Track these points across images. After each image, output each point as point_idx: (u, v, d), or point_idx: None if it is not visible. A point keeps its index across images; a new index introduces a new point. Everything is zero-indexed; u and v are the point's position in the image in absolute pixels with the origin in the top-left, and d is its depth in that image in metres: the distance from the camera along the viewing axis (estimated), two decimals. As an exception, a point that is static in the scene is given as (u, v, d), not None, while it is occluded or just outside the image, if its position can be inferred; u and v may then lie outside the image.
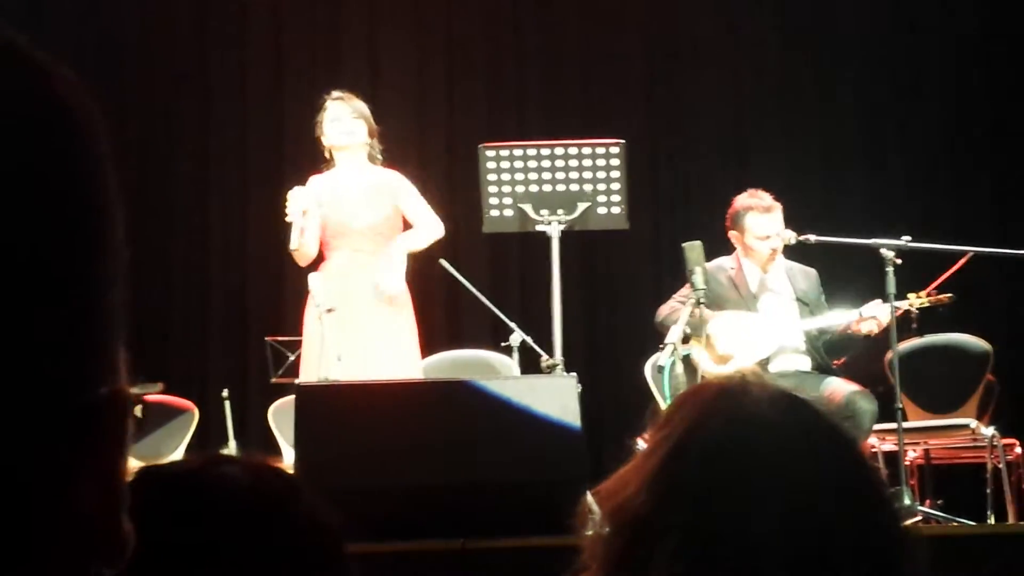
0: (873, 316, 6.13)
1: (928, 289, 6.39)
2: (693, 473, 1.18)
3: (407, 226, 6.18)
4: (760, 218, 6.28)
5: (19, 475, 0.61)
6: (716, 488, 1.17)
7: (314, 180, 6.16)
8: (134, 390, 0.73)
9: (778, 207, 6.31)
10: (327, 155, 6.20)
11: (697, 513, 1.16)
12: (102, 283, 0.66)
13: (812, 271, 6.50)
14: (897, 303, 6.10)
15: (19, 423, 0.61)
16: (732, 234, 6.37)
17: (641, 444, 1.28)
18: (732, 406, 1.22)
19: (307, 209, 5.89)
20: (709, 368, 6.02)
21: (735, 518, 1.15)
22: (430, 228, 6.16)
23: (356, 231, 6.04)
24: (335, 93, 6.23)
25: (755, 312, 6.30)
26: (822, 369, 6.27)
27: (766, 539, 1.14)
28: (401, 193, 6.17)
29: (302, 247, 5.98)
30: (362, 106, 6.18)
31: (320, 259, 6.12)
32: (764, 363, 6.20)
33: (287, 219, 5.90)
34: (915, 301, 6.30)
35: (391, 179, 6.18)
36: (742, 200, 6.36)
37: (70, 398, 0.63)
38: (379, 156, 6.21)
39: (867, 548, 1.17)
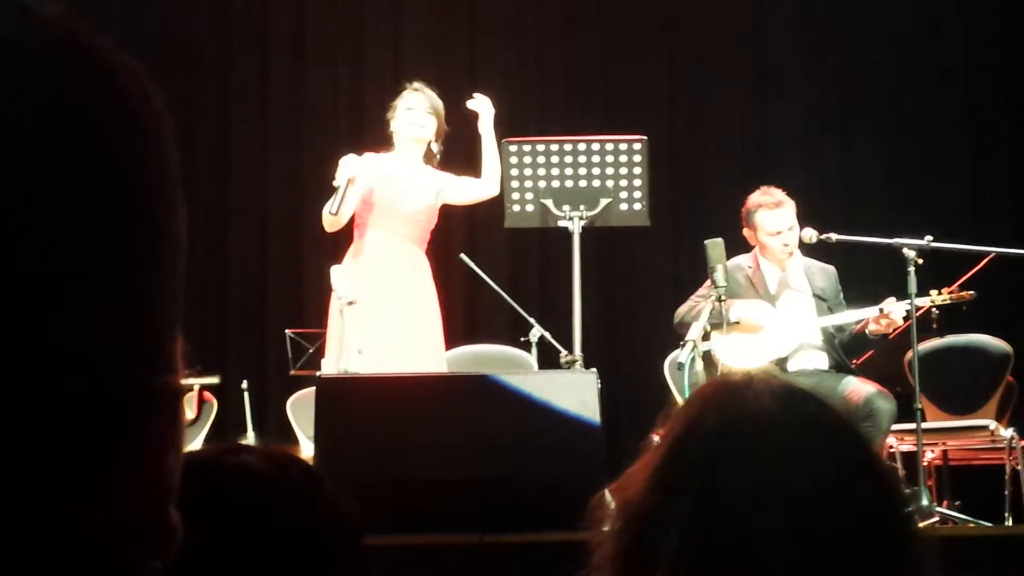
0: (887, 314, 6.12)
1: (951, 288, 6.37)
2: (693, 466, 1.18)
3: (439, 223, 6.26)
4: (770, 214, 6.29)
5: (63, 462, 0.61)
6: (716, 481, 1.16)
7: (369, 156, 6.15)
8: (193, 381, 0.73)
9: (789, 203, 6.30)
10: (392, 141, 6.20)
11: (699, 506, 1.15)
12: (161, 274, 0.66)
13: (831, 268, 6.48)
14: (919, 300, 6.09)
15: (69, 410, 0.60)
16: (746, 232, 6.38)
17: (656, 441, 1.28)
18: (732, 399, 1.22)
19: (354, 178, 5.89)
20: (729, 362, 6.02)
21: (736, 511, 1.15)
22: (484, 181, 6.19)
23: (399, 214, 6.05)
24: (415, 84, 6.26)
25: (774, 309, 6.30)
26: (840, 368, 6.26)
27: (769, 532, 1.14)
28: (444, 182, 6.21)
29: (339, 214, 5.99)
30: (438, 103, 6.20)
31: (347, 244, 6.13)
32: (783, 361, 6.20)
33: (334, 183, 5.90)
34: (937, 298, 6.28)
35: (436, 176, 6.23)
36: (753, 198, 6.37)
37: (123, 388, 0.63)
38: (437, 157, 6.23)
39: (875, 546, 1.17)
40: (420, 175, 6.17)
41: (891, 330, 6.18)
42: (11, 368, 0.59)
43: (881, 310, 6.14)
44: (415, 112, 6.14)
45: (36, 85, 0.62)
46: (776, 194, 6.32)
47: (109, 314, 0.62)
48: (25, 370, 0.59)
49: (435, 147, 6.21)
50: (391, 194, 6.06)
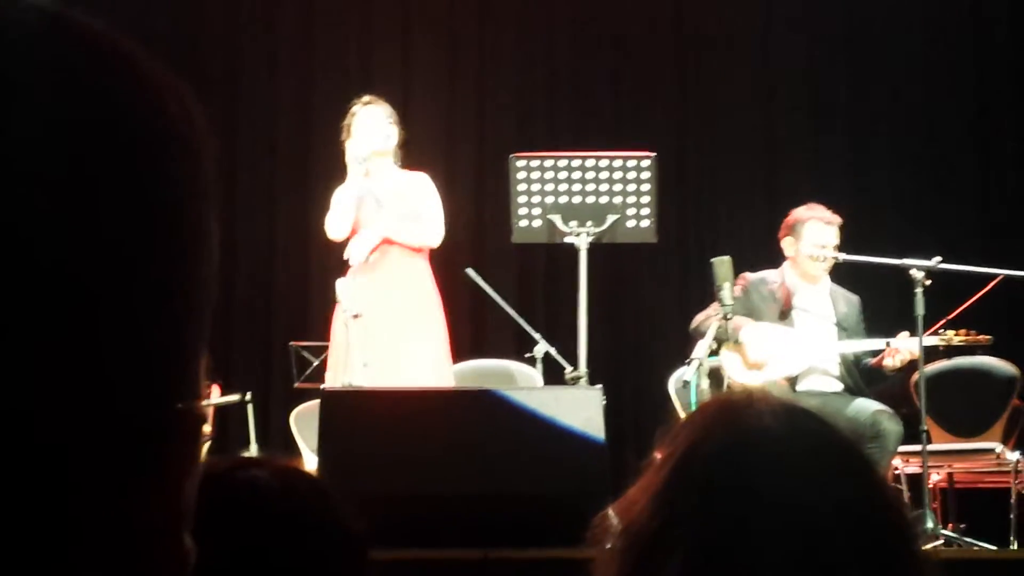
0: (897, 350, 6.10)
1: (969, 331, 6.32)
2: (694, 489, 1.17)
3: (445, 238, 6.23)
4: (823, 228, 6.36)
5: (79, 487, 0.60)
6: (718, 503, 1.16)
7: (349, 183, 6.14)
8: (215, 401, 0.72)
9: (839, 222, 6.36)
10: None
11: (700, 529, 1.15)
12: (191, 297, 0.65)
13: (855, 297, 6.48)
14: (934, 339, 6.08)
15: (88, 436, 0.60)
16: (787, 240, 6.37)
17: (657, 459, 1.28)
18: (733, 420, 1.21)
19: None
20: (737, 376, 6.00)
21: (737, 534, 1.14)
22: (426, 229, 6.10)
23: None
24: (366, 98, 6.23)
25: (791, 328, 6.28)
26: (851, 391, 6.24)
27: (770, 555, 1.13)
28: (426, 193, 6.18)
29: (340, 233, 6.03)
30: (392, 111, 6.19)
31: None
32: (793, 380, 6.19)
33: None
34: (954, 339, 6.25)
35: (419, 180, 6.20)
36: (803, 211, 6.42)
37: (145, 415, 0.62)
38: (398, 162, 6.22)
39: (879, 568, 1.15)
40: (402, 188, 6.13)
41: (903, 364, 6.16)
42: (30, 390, 0.58)
43: (888, 343, 6.13)
44: (378, 126, 6.12)
45: (64, 96, 0.61)
46: (827, 211, 6.39)
47: (136, 338, 0.61)
48: (45, 393, 0.58)
49: (397, 155, 6.19)
50: (372, 217, 6.03)
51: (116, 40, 0.65)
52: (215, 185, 0.67)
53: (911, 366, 6.23)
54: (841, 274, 6.61)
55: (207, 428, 7.17)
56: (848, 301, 6.45)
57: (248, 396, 7.39)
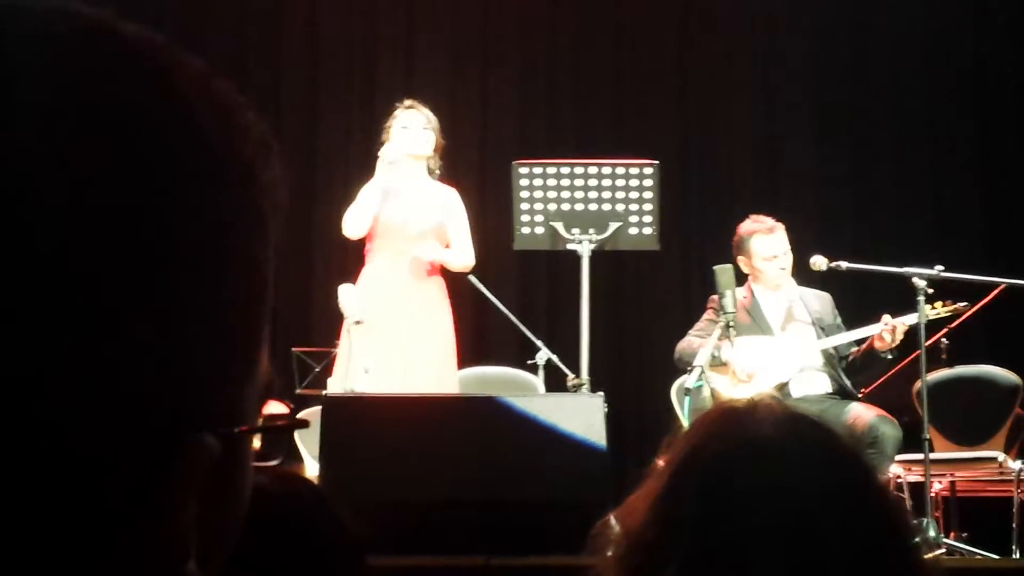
0: (894, 327, 6.11)
1: (946, 301, 6.35)
2: (691, 497, 1.17)
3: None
4: (765, 239, 6.36)
5: (73, 509, 0.58)
6: (714, 512, 1.15)
7: (375, 182, 6.12)
8: (275, 423, 0.69)
9: (780, 227, 6.40)
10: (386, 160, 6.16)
11: (697, 537, 1.15)
12: (217, 321, 0.62)
13: (825, 295, 6.52)
14: (909, 316, 6.09)
15: (84, 456, 0.57)
16: (740, 260, 6.41)
17: (659, 466, 1.27)
18: (732, 428, 1.21)
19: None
20: (727, 393, 6.01)
21: (735, 543, 1.14)
22: (462, 254, 6.17)
23: (407, 235, 6.03)
24: (407, 102, 6.24)
25: (771, 337, 6.32)
26: (844, 394, 6.27)
27: (769, 564, 1.13)
28: (453, 211, 6.20)
29: (358, 231, 6.02)
30: (433, 117, 6.18)
31: (357, 263, 6.12)
32: (784, 387, 6.20)
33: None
34: (930, 312, 6.27)
35: (447, 194, 6.22)
36: (745, 226, 6.45)
37: (160, 427, 0.59)
38: (437, 171, 6.23)
39: (874, 572, 1.15)
40: (425, 192, 6.15)
41: (896, 343, 6.17)
42: (34, 403, 0.56)
43: (887, 322, 6.13)
44: (411, 130, 6.12)
45: (84, 106, 0.59)
46: (767, 220, 6.42)
47: (146, 351, 0.59)
48: (50, 406, 0.56)
49: (434, 163, 6.19)
50: (397, 216, 6.04)
51: (153, 51, 0.63)
52: (257, 205, 0.65)
53: (914, 373, 6.23)
54: (843, 282, 6.61)
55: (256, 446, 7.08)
56: (820, 299, 6.51)
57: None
